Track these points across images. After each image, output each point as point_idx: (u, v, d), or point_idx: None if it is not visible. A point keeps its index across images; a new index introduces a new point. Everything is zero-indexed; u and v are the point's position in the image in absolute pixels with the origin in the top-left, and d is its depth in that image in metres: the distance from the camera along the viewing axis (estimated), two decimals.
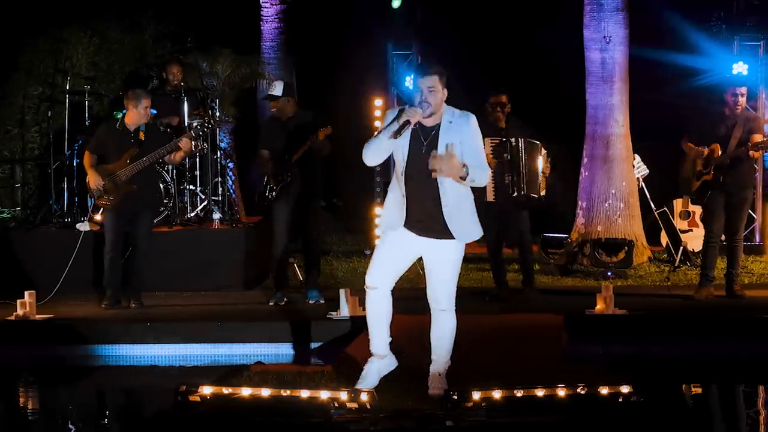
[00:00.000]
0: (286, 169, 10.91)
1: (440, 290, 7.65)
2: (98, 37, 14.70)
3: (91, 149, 11.10)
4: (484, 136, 7.68)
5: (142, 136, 10.96)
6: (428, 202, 7.48)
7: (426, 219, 7.49)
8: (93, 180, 10.91)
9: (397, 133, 7.32)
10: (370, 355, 7.77)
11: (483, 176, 7.49)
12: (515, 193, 10.81)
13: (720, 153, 10.82)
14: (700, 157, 10.95)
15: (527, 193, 10.85)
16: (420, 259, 7.81)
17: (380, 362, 7.75)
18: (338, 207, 17.71)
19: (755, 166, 14.28)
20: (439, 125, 7.46)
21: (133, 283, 11.21)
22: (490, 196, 10.78)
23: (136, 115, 10.93)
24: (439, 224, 7.49)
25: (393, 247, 7.60)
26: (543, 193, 10.98)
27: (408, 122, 7.32)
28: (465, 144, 7.42)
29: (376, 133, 7.49)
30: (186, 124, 13.03)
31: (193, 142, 11.44)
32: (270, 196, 11.00)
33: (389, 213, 7.62)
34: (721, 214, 10.98)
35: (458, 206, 7.51)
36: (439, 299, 7.67)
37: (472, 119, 7.51)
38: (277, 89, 11.13)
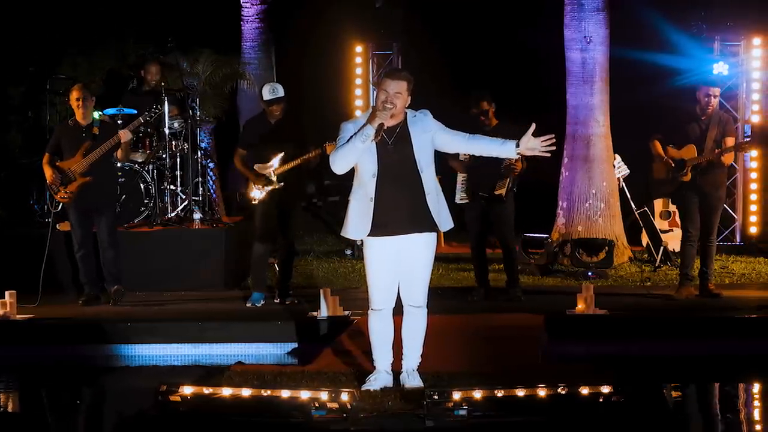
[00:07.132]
0: (279, 178, 10.87)
1: (417, 286, 7.63)
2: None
3: (48, 150, 11.29)
4: None
5: (96, 131, 11.13)
6: (408, 196, 7.46)
7: (406, 214, 7.46)
8: (48, 175, 11.12)
9: (377, 135, 7.33)
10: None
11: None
12: (479, 193, 10.85)
13: (696, 154, 10.85)
14: (661, 162, 10.99)
15: (483, 192, 10.86)
16: None
17: (388, 377, 7.72)
18: (319, 207, 17.67)
19: (735, 165, 14.35)
20: (402, 122, 7.51)
21: (107, 278, 11.30)
22: (458, 198, 10.84)
23: (76, 110, 11.12)
24: (423, 216, 7.48)
25: (382, 264, 7.57)
26: (501, 191, 10.92)
27: (382, 124, 7.37)
28: (439, 131, 7.54)
29: (338, 142, 7.47)
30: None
31: (130, 133, 11.35)
32: (257, 199, 10.96)
33: (354, 220, 7.56)
34: (696, 214, 11.00)
35: (437, 195, 7.55)
36: (416, 296, 7.65)
37: (429, 113, 7.60)
38: (280, 90, 10.91)
